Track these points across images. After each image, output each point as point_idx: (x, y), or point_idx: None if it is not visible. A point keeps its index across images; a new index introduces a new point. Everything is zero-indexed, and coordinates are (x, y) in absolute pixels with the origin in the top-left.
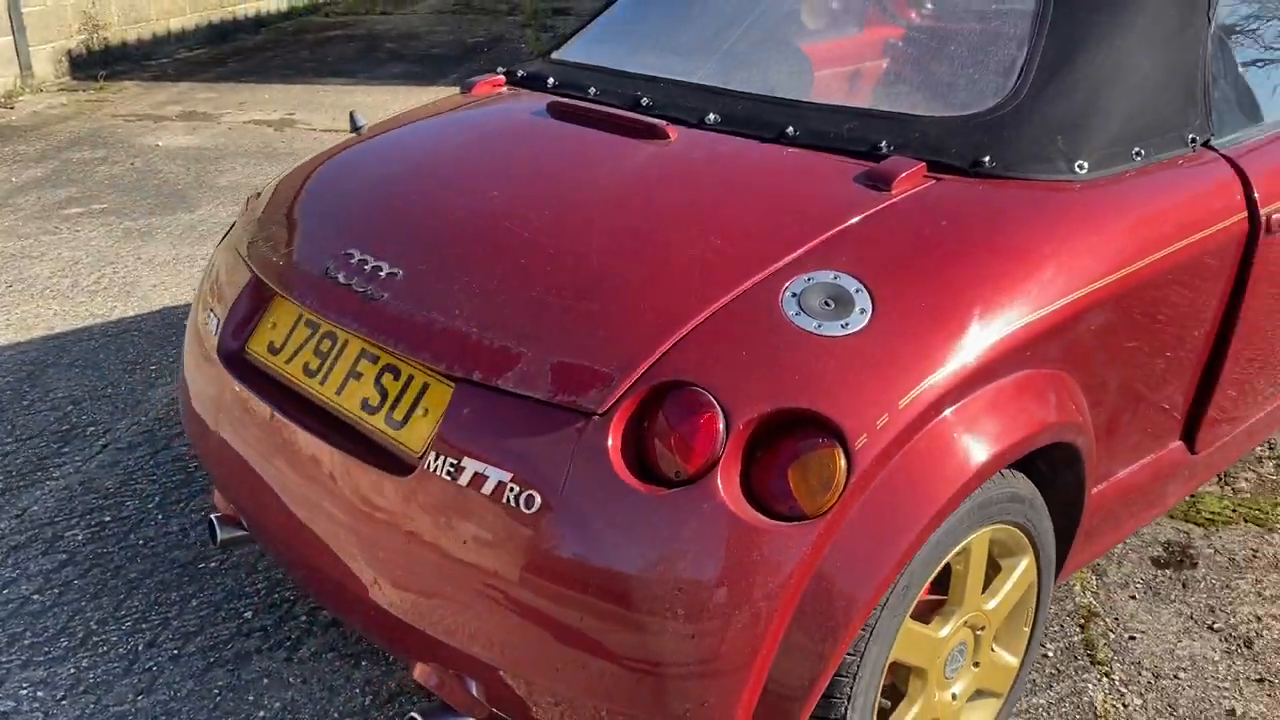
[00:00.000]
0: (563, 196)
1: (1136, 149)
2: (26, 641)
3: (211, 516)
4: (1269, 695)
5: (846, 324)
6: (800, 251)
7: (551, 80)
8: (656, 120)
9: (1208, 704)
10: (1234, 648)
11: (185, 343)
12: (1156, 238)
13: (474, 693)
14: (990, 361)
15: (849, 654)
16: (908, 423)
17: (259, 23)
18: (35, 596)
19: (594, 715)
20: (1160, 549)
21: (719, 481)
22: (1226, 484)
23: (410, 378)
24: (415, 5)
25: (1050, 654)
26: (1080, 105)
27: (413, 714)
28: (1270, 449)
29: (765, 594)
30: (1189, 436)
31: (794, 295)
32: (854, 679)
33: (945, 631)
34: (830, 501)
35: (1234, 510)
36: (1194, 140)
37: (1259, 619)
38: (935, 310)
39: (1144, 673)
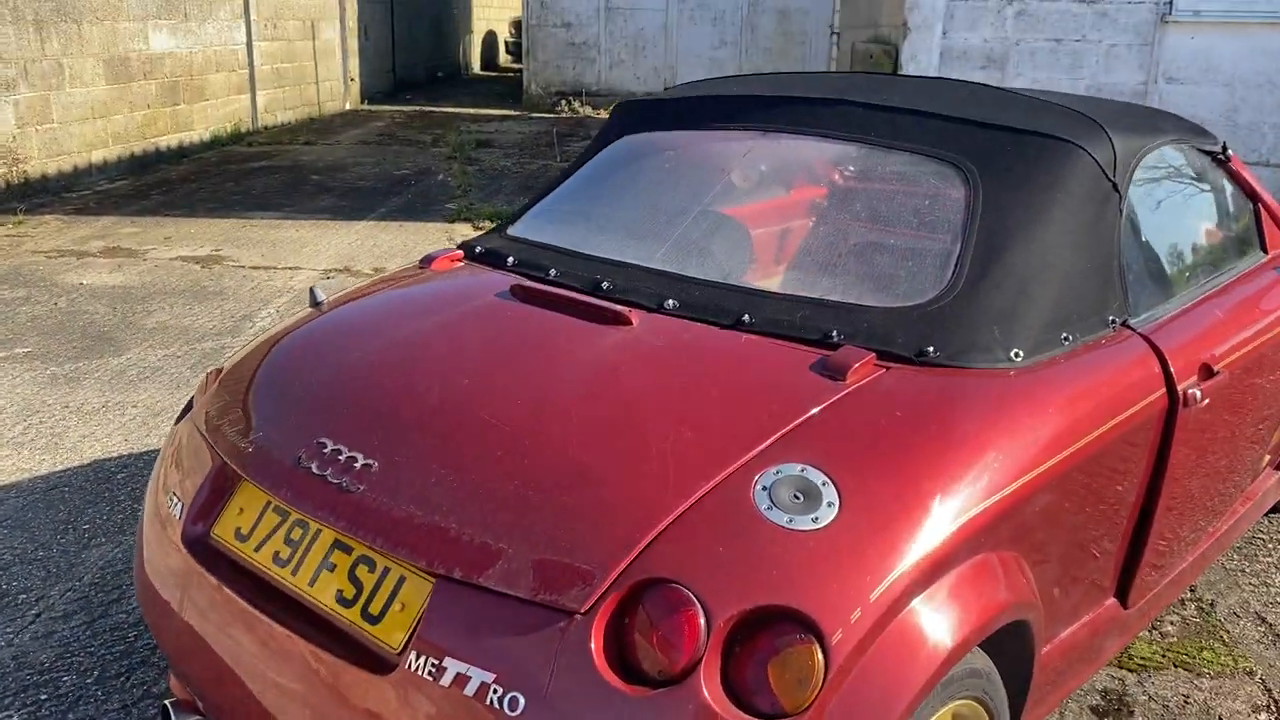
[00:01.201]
0: (532, 384)
1: (1065, 334)
2: None
3: (166, 702)
4: None
5: (816, 518)
6: (767, 443)
7: (510, 259)
8: (620, 306)
9: None
10: None
11: (144, 522)
12: (1089, 418)
13: None
14: (951, 549)
15: None
16: (880, 615)
17: (181, 153)
18: None
19: None
20: (1098, 697)
21: (703, 681)
22: (1155, 629)
23: (386, 570)
24: (339, 135)
25: None
26: (1012, 295)
27: None
28: (1191, 592)
29: None
30: (1122, 593)
31: (764, 489)
32: None
33: None
34: (810, 698)
35: (1163, 655)
36: (1114, 321)
37: None
38: (898, 501)
39: None
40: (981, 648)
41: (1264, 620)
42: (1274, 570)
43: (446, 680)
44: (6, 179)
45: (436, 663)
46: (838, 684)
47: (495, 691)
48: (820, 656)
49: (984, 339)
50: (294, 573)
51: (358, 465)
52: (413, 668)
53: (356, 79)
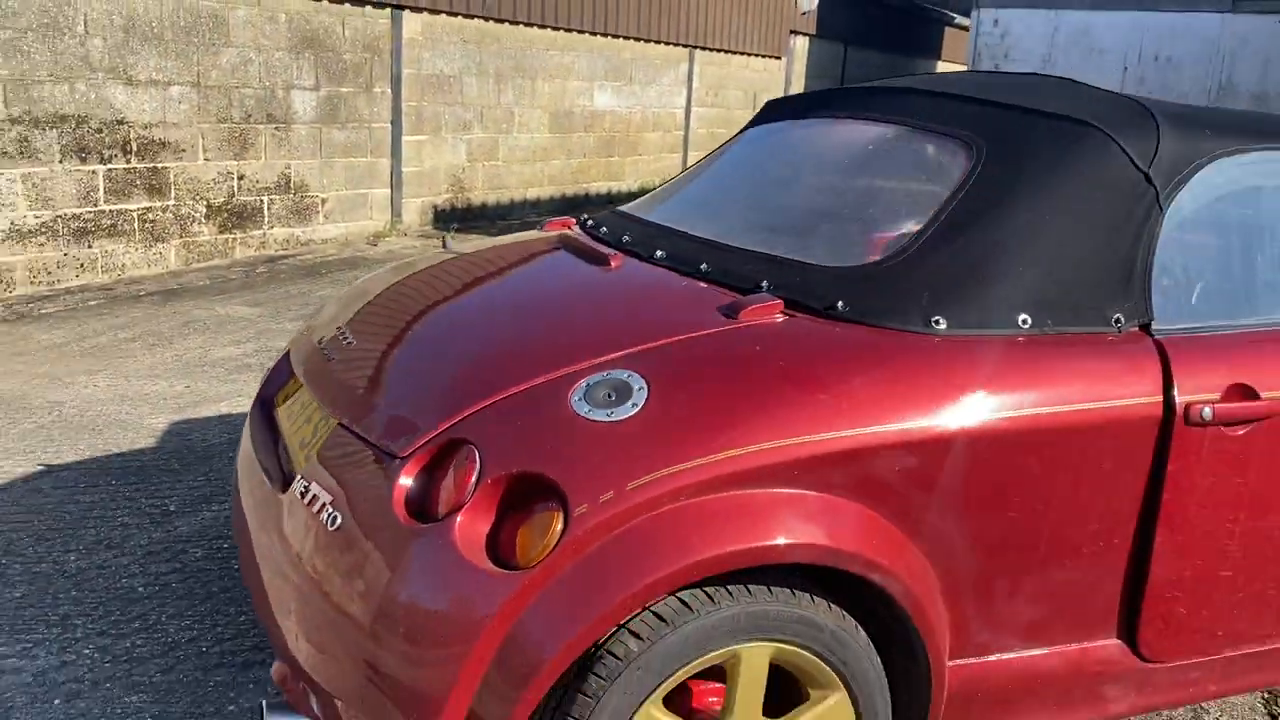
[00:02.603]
0: (493, 302)
1: (1024, 317)
2: None
3: (263, 702)
4: None
5: (612, 414)
6: (619, 354)
7: (589, 223)
8: (609, 250)
9: None
10: None
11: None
12: (1019, 402)
13: (306, 695)
14: (748, 471)
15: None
16: (634, 504)
17: (609, 199)
18: None
19: (349, 707)
20: None
21: (457, 522)
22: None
23: (325, 419)
24: None
25: None
26: (961, 268)
27: (262, 702)
28: None
29: (469, 630)
30: (1128, 636)
31: (587, 386)
32: None
33: None
34: (539, 556)
35: None
36: (1118, 320)
37: None
38: (699, 413)
39: None
40: (850, 613)
41: None
42: None
43: (308, 499)
44: (452, 202)
45: (307, 485)
46: (572, 551)
47: (328, 510)
48: (560, 525)
49: (905, 304)
50: (292, 425)
51: (343, 344)
52: (295, 488)
53: None
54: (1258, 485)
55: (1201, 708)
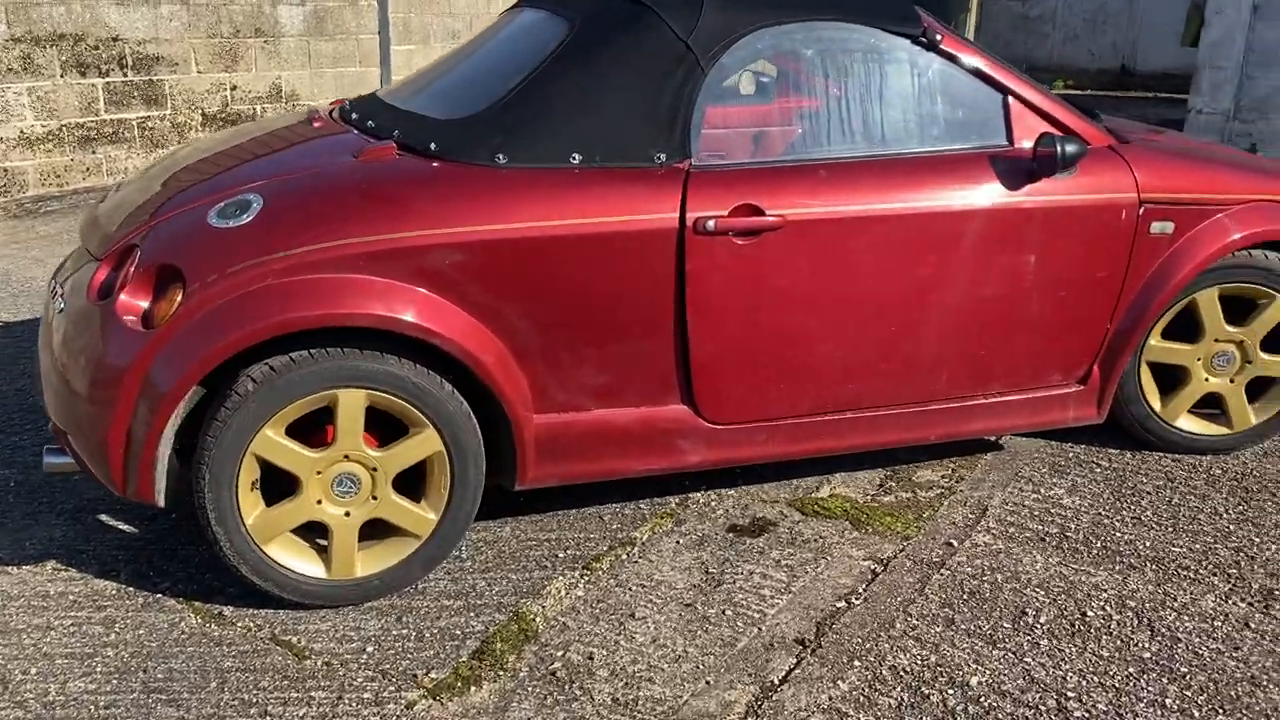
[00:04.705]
0: (215, 159)
1: (575, 155)
2: None
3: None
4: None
5: (230, 223)
6: (260, 183)
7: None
8: (322, 119)
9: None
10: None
11: None
12: (559, 213)
13: (64, 436)
14: (323, 260)
15: (209, 435)
16: (233, 283)
17: None
18: None
19: (72, 437)
20: (747, 519)
21: (120, 299)
22: (844, 480)
23: (81, 250)
24: None
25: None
26: (525, 117)
27: (44, 447)
28: (950, 476)
29: (122, 372)
30: (690, 402)
31: (223, 205)
32: (207, 453)
33: (315, 454)
34: (163, 319)
35: (850, 509)
36: (660, 158)
37: (751, 575)
38: (288, 220)
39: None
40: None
41: (984, 509)
42: (1052, 483)
43: (55, 295)
44: None
45: (56, 287)
46: (186, 316)
47: (60, 299)
48: (180, 297)
49: (477, 145)
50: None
51: (109, 199)
52: (51, 288)
53: None
54: (782, 282)
55: (826, 478)
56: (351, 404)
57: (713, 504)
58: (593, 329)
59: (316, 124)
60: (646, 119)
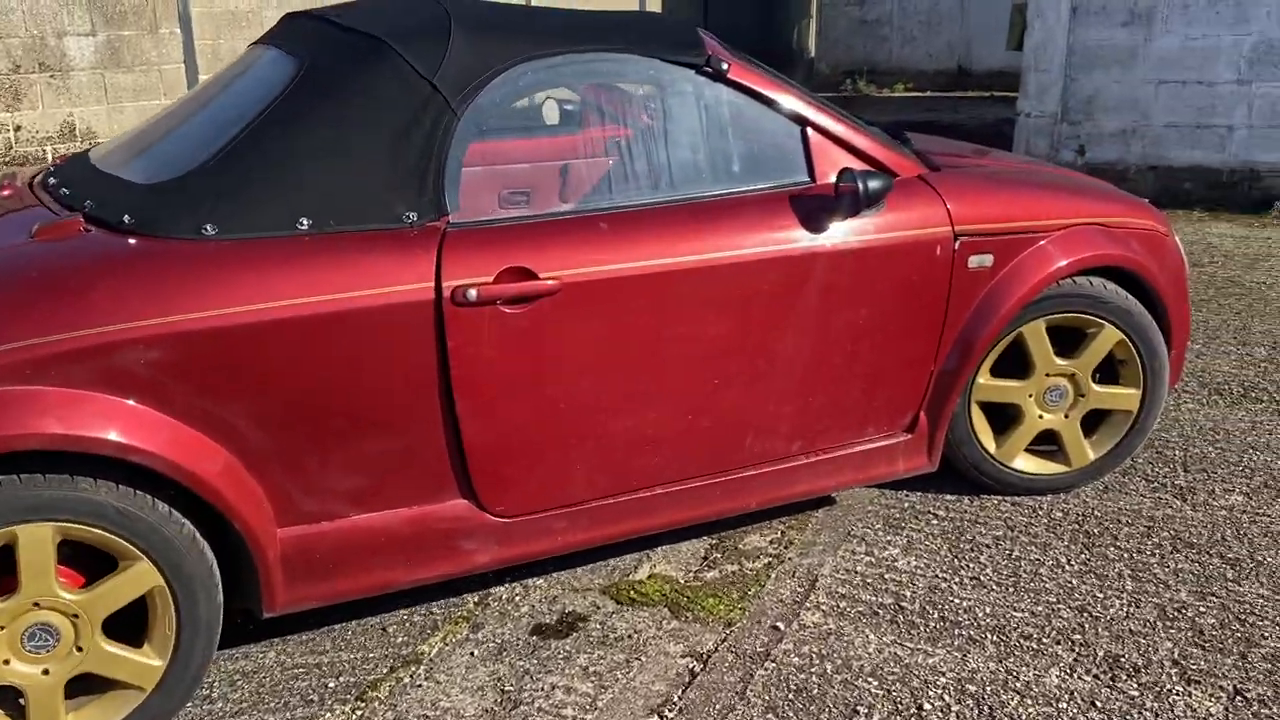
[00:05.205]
0: None
1: (303, 220)
2: None
3: None
4: None
5: None
6: None
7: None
8: (10, 186)
9: None
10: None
11: None
12: (288, 291)
13: None
14: None
15: None
16: None
17: None
18: None
19: None
20: (554, 617)
21: None
22: (669, 563)
23: None
24: None
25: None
26: (233, 180)
27: None
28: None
29: None
30: (473, 496)
31: None
32: None
33: None
34: None
35: (672, 594)
36: (410, 218)
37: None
38: None
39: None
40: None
41: (814, 580)
42: (886, 542)
43: None
44: None
45: None
46: None
47: None
48: None
49: (179, 214)
50: None
51: None
52: None
53: None
54: (564, 353)
55: (646, 553)
56: (35, 542)
57: (517, 599)
58: (339, 424)
59: (5, 193)
60: (391, 173)
